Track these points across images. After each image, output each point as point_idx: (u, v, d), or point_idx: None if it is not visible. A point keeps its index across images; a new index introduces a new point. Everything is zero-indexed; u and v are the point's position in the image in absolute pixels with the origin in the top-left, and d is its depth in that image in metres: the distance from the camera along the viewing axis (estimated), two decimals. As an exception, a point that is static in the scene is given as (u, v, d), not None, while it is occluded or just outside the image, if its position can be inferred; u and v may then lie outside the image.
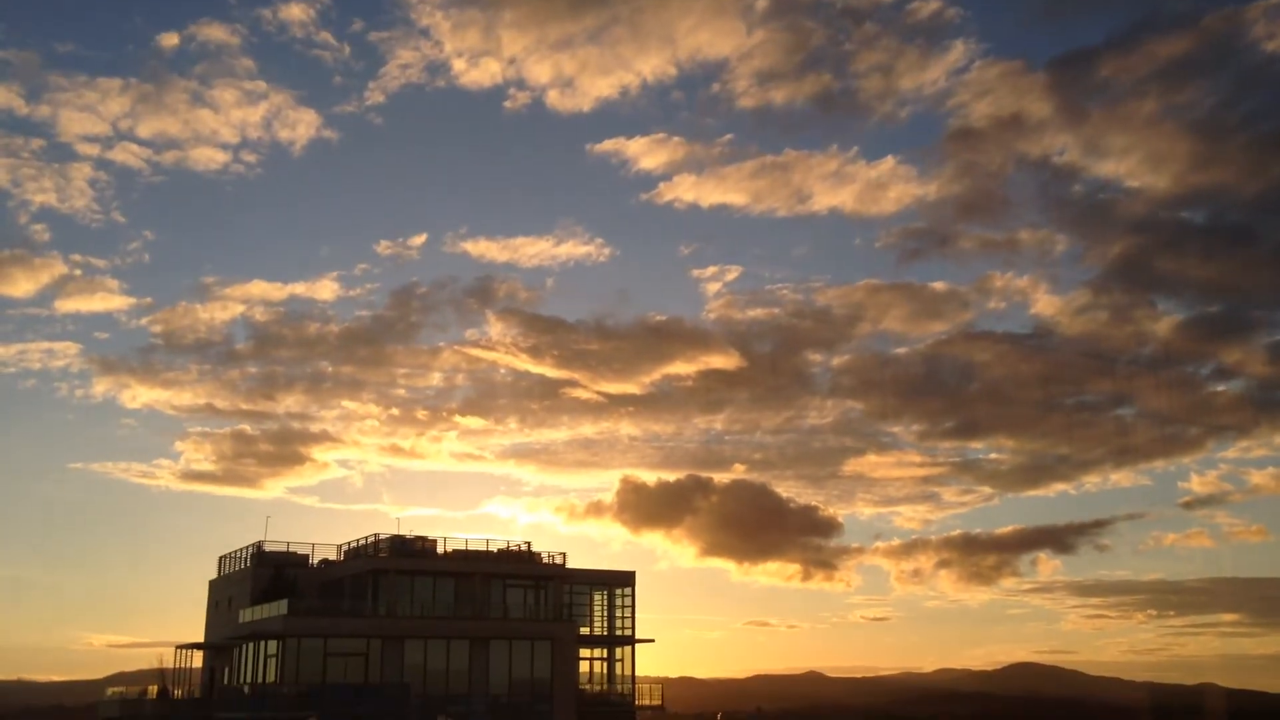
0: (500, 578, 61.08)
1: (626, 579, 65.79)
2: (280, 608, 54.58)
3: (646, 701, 63.92)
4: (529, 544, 63.64)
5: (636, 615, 65.07)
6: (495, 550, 62.97)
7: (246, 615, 58.35)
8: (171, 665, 64.25)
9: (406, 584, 58.81)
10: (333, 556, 64.12)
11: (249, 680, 56.52)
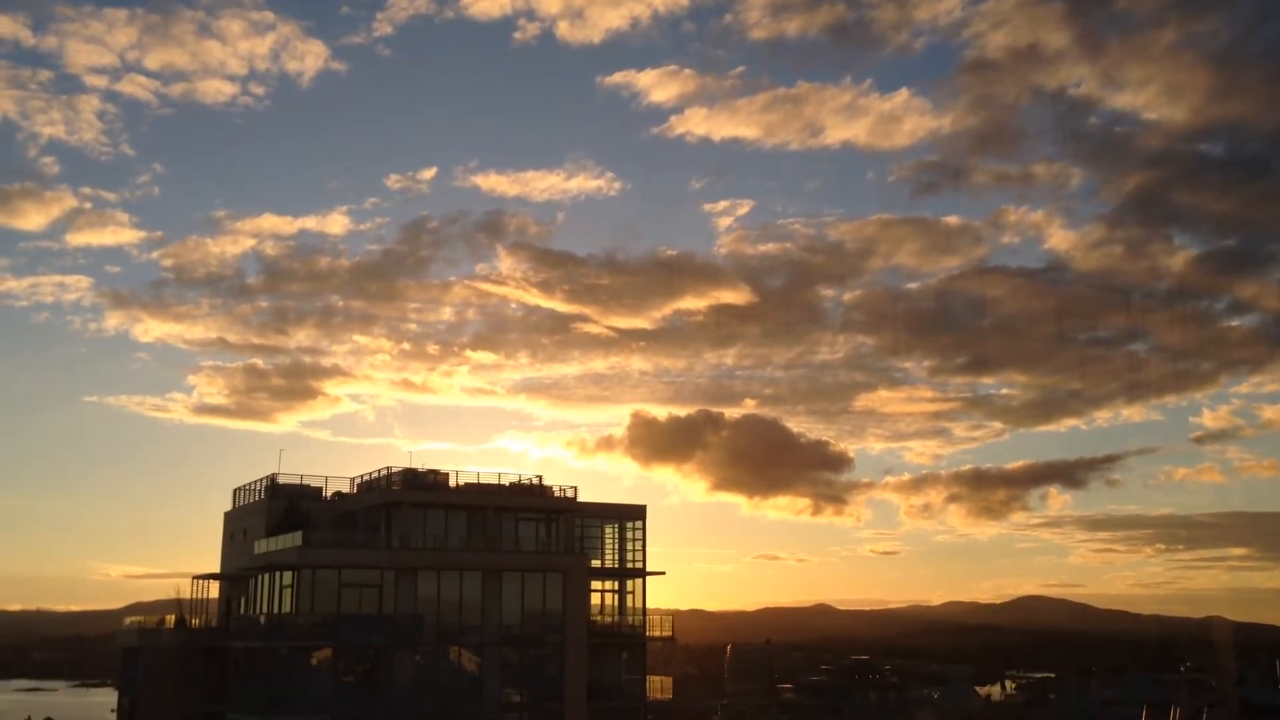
0: (512, 511, 61.52)
1: (638, 513, 66.25)
2: (295, 539, 55.12)
3: (657, 633, 64.70)
4: (540, 478, 64.06)
5: (647, 549, 65.69)
6: (507, 484, 63.38)
7: (261, 547, 58.96)
8: (188, 596, 65.25)
9: (419, 517, 59.25)
10: (346, 489, 64.63)
11: (264, 610, 57.24)
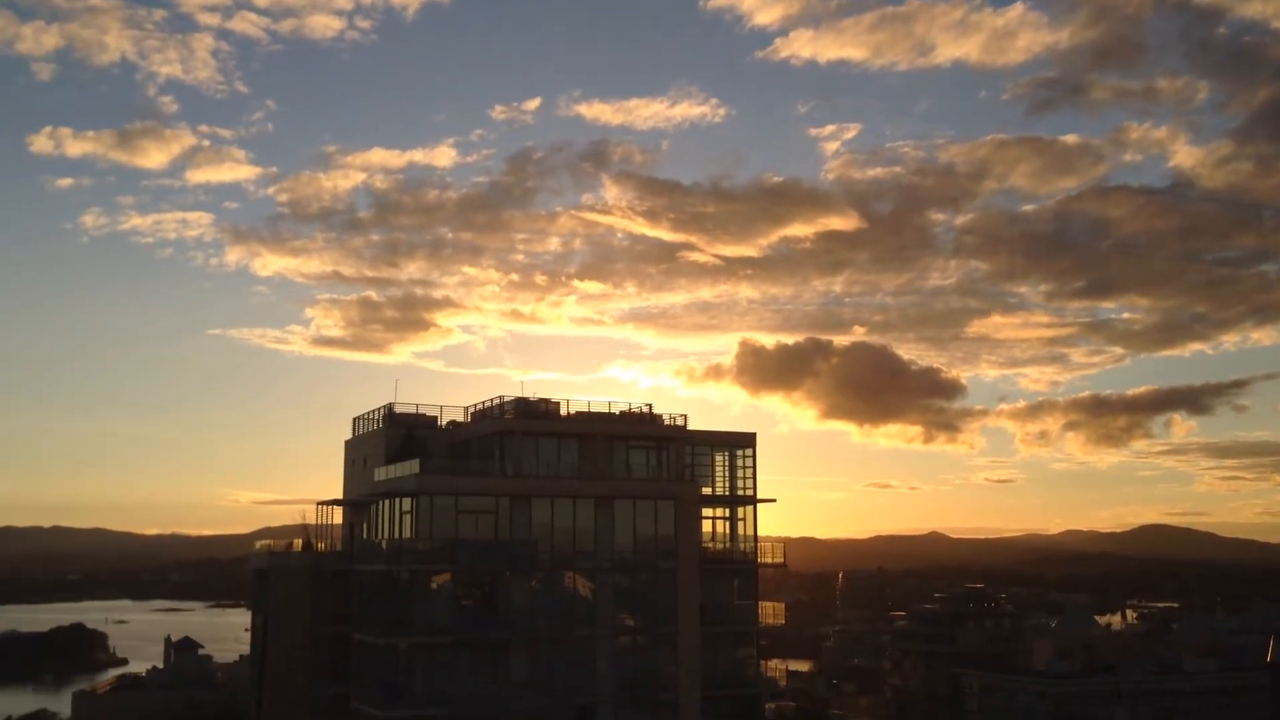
0: (623, 439, 62.02)
1: (747, 440, 66.28)
2: (413, 467, 56.52)
3: (769, 560, 64.96)
4: (650, 406, 64.37)
5: (758, 477, 65.78)
6: (617, 413, 63.88)
7: (381, 474, 60.60)
8: (314, 521, 67.53)
9: (532, 445, 60.13)
10: (460, 419, 65.87)
11: (385, 536, 58.99)
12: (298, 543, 67.08)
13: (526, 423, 60.55)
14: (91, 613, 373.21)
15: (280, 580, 64.71)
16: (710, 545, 63.94)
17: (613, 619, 58.72)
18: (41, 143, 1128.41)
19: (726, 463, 65.74)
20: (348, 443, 69.78)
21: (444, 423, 65.71)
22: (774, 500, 65.24)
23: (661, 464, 62.75)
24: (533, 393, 62.90)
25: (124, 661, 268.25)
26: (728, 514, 65.43)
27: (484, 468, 59.63)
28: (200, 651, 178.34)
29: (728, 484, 65.57)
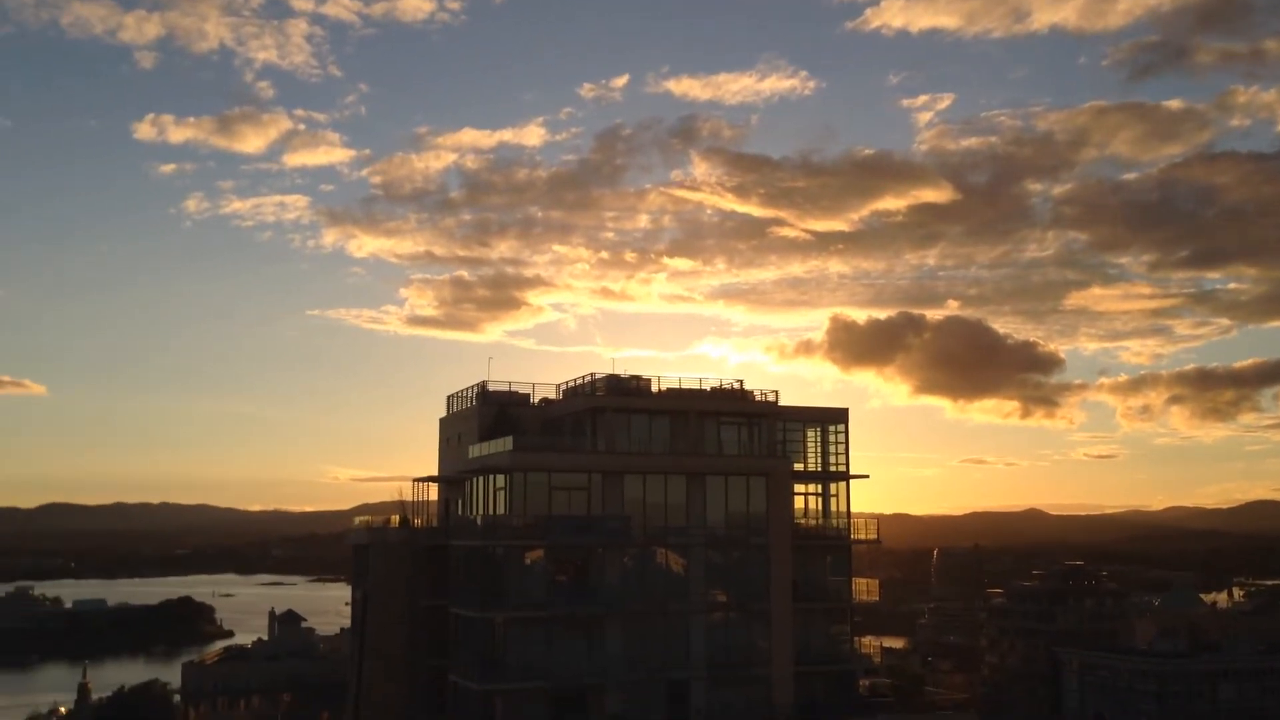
0: (714, 416, 62.00)
1: (839, 416, 65.77)
2: (506, 444, 57.17)
3: (862, 536, 64.49)
4: (742, 383, 64.27)
5: (850, 453, 65.27)
6: (708, 389, 63.85)
7: (475, 451, 61.41)
8: (410, 497, 68.75)
9: (624, 422, 60.43)
10: (551, 396, 66.41)
11: (480, 511, 59.82)
12: (395, 519, 68.35)
13: (618, 399, 60.83)
14: (199, 586, 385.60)
15: (379, 556, 66.05)
16: (802, 521, 63.69)
17: (705, 594, 58.90)
18: (145, 129, 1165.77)
19: (818, 439, 65.32)
20: (442, 420, 70.83)
21: (536, 400, 66.34)
22: (867, 476, 64.73)
23: (753, 440, 62.60)
24: (624, 370, 63.21)
25: (230, 634, 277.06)
26: (820, 490, 65.06)
27: (576, 444, 60.08)
28: (303, 624, 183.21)
29: (820, 460, 65.17)
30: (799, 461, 64.25)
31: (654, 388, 62.95)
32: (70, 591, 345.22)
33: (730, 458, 60.91)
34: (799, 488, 63.86)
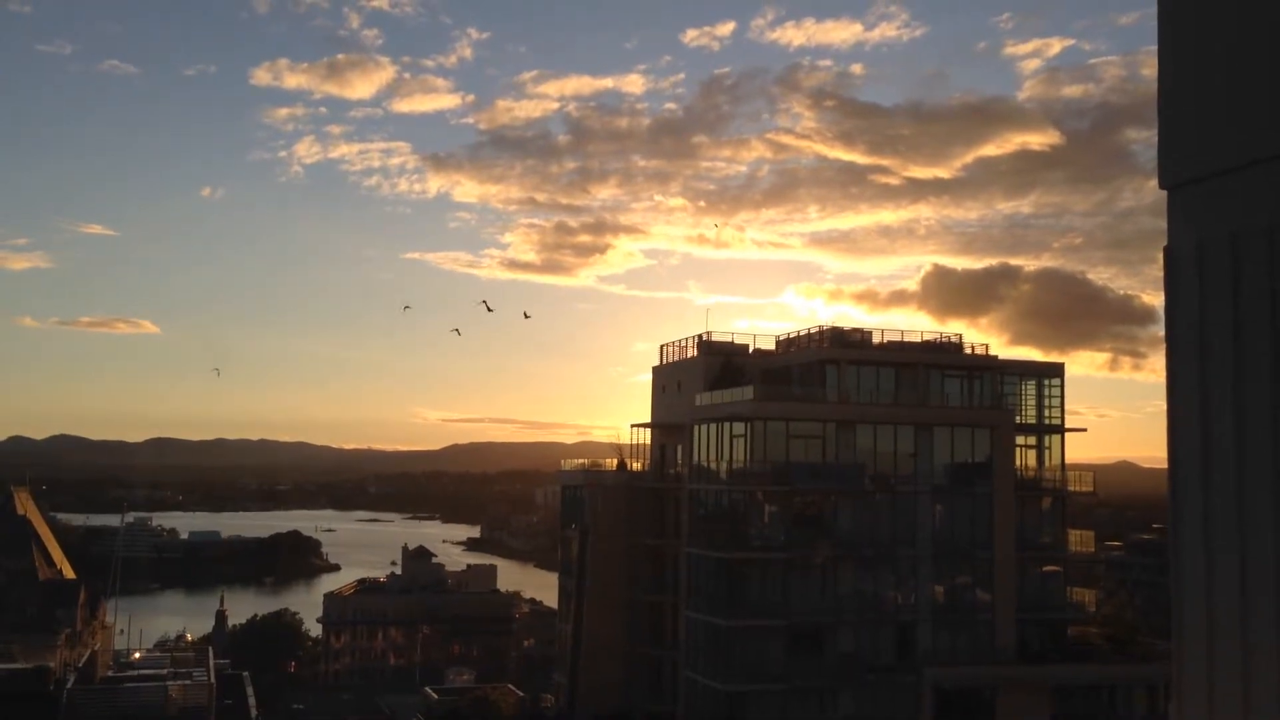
0: (938, 368, 63.76)
1: (1055, 370, 67.30)
2: (745, 393, 59.52)
3: (1077, 488, 66.07)
4: (960, 336, 65.88)
5: (1064, 406, 66.69)
6: (924, 342, 65.57)
7: (704, 399, 63.75)
8: (626, 441, 71.65)
9: (852, 373, 62.44)
10: (767, 347, 68.59)
11: (712, 458, 62.29)
12: (612, 462, 71.34)
13: (849, 352, 62.80)
14: (300, 521, 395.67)
15: (599, 496, 69.19)
16: (1020, 471, 65.35)
17: (931, 541, 61.03)
18: (261, 75, 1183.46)
19: (1034, 392, 66.81)
20: (655, 369, 73.30)
21: (752, 350, 68.56)
22: (1084, 430, 66.29)
23: (973, 392, 64.26)
24: (719, 316, 65.20)
25: (336, 567, 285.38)
26: (1035, 442, 66.63)
27: (809, 394, 62.22)
28: (433, 559, 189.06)
29: (1035, 412, 66.69)
30: (1017, 414, 65.82)
31: (875, 340, 64.83)
32: (182, 523, 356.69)
33: (956, 409, 62.71)
34: (1017, 439, 65.46)
